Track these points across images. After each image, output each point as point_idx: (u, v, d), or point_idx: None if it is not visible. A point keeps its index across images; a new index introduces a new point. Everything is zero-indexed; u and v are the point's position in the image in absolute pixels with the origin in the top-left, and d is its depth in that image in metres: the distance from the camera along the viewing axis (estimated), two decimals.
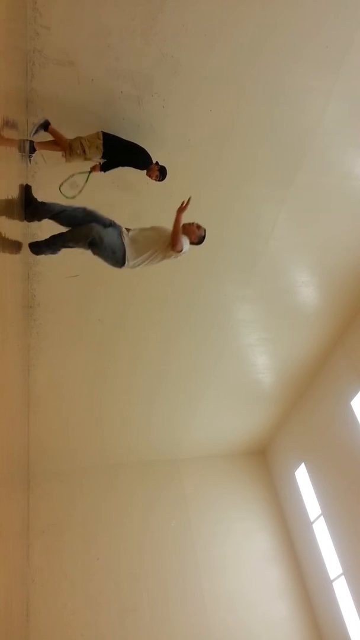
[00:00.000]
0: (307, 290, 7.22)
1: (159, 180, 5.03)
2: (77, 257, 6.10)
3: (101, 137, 4.60)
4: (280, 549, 9.96)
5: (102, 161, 4.70)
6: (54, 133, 4.58)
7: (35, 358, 7.13)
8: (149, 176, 4.98)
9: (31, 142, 4.56)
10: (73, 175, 4.72)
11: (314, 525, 9.26)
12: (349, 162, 5.68)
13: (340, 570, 8.43)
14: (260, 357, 8.36)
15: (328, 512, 8.77)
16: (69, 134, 4.71)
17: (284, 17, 4.33)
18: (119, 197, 5.46)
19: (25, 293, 5.95)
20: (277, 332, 7.83)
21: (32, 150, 4.63)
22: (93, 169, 4.74)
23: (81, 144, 4.55)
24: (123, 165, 4.83)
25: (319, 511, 9.03)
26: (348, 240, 6.57)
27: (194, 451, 10.43)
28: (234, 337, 7.75)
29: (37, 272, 6.03)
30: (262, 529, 10.14)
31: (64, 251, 5.96)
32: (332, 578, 8.69)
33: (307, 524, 9.45)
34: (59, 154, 4.65)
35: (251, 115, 5.00)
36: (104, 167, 4.73)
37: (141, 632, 8.48)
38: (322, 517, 8.97)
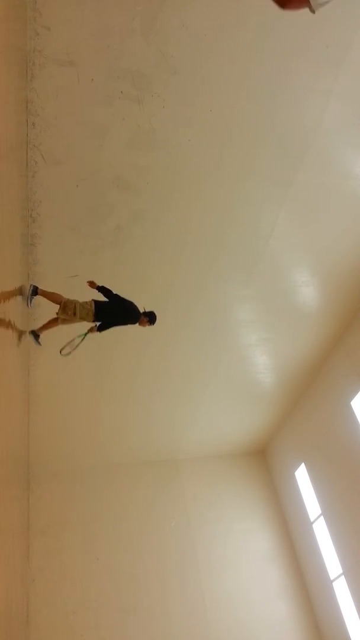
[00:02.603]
0: (307, 290, 7.22)
1: (151, 325, 5.62)
2: (77, 257, 6.11)
3: (92, 306, 5.22)
4: (280, 549, 9.96)
5: (96, 324, 5.30)
6: (44, 294, 5.27)
7: (35, 358, 7.12)
8: (141, 325, 5.56)
9: (33, 331, 5.42)
10: (73, 339, 5.31)
11: (314, 525, 9.25)
12: (349, 162, 5.68)
13: (340, 570, 8.43)
14: (260, 357, 8.36)
15: (328, 512, 8.77)
16: (69, 134, 4.72)
17: (284, 17, 4.33)
18: (119, 197, 5.46)
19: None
20: (277, 332, 7.82)
21: (37, 336, 5.46)
22: (90, 330, 5.31)
23: (75, 307, 5.18)
24: (116, 325, 5.46)
25: (319, 511, 9.03)
26: (348, 240, 6.57)
27: (194, 451, 10.43)
28: (234, 337, 7.75)
29: (37, 273, 6.03)
30: (262, 529, 10.14)
31: (64, 250, 6.01)
32: (332, 578, 8.69)
33: (307, 524, 9.45)
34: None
35: (251, 115, 5.00)
36: (100, 329, 5.33)
37: (141, 632, 8.48)
38: (322, 517, 8.97)
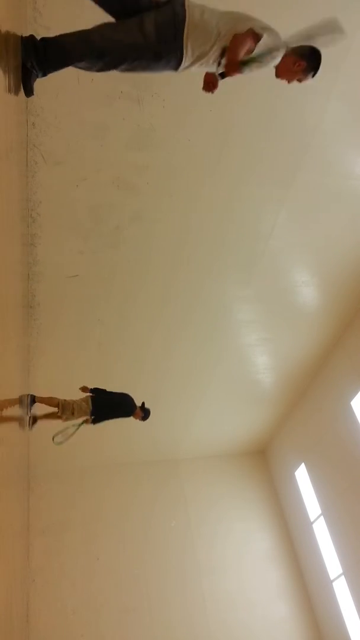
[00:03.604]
0: (307, 290, 7.22)
1: (143, 420, 6.04)
2: (77, 257, 6.11)
3: (89, 403, 5.57)
4: (280, 549, 9.96)
5: (92, 418, 5.60)
6: (42, 401, 5.62)
7: (36, 358, 7.13)
8: (134, 418, 5.93)
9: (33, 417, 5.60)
10: (67, 428, 5.52)
11: (314, 525, 9.26)
12: (349, 162, 5.68)
13: (340, 570, 8.43)
14: (260, 357, 8.36)
15: (328, 512, 8.77)
16: (69, 134, 4.72)
17: (284, 17, 4.33)
18: (119, 197, 5.46)
19: (25, 293, 5.94)
20: (277, 332, 7.82)
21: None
22: (85, 422, 5.56)
23: (72, 407, 5.52)
24: (112, 418, 5.78)
25: (319, 511, 9.03)
26: (348, 240, 6.57)
27: (194, 451, 10.43)
28: (234, 337, 7.75)
29: (37, 272, 6.04)
30: (262, 529, 10.14)
31: (64, 250, 5.99)
32: (332, 578, 8.69)
33: (307, 524, 9.45)
34: None
35: (251, 115, 5.00)
36: (95, 421, 5.62)
37: (141, 632, 8.49)
38: (322, 517, 8.97)
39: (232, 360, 8.20)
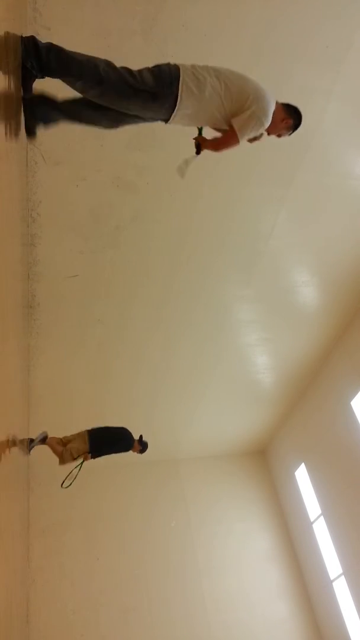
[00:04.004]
0: (307, 290, 7.22)
1: (141, 453, 6.23)
2: (77, 257, 6.11)
3: (87, 440, 5.80)
4: (280, 549, 9.96)
5: (90, 454, 5.83)
6: (51, 445, 5.92)
7: (36, 358, 7.13)
8: (133, 451, 6.13)
9: (31, 439, 5.86)
10: (71, 471, 5.82)
11: (314, 525, 9.26)
12: (349, 162, 5.68)
13: (340, 570, 8.43)
14: (260, 357, 8.36)
15: (328, 512, 8.77)
16: (69, 134, 4.72)
17: (284, 17, 4.33)
18: (119, 197, 5.46)
19: (25, 293, 5.94)
20: (277, 332, 7.83)
21: (32, 446, 5.89)
22: (85, 459, 5.80)
23: (71, 453, 5.77)
24: (110, 453, 6.02)
25: (319, 511, 9.03)
26: (348, 240, 6.57)
27: (194, 451, 10.43)
28: (234, 337, 7.75)
29: (37, 272, 6.04)
30: (262, 529, 10.14)
31: (64, 250, 5.99)
32: (332, 578, 8.69)
33: (307, 524, 9.45)
34: None
35: None
36: (93, 456, 5.86)
37: (141, 632, 8.48)
38: (322, 517, 8.97)
39: (232, 360, 8.20)
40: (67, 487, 5.80)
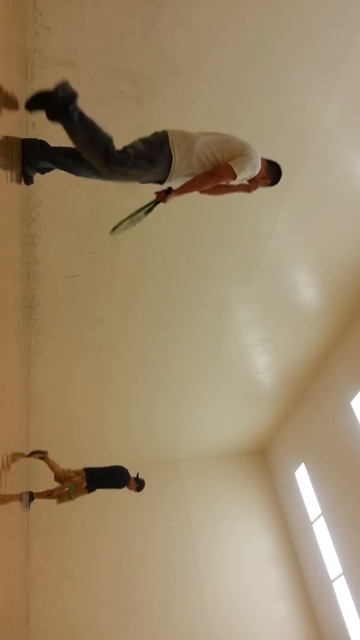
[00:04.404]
0: (307, 290, 7.22)
1: (137, 491, 6.42)
2: (77, 257, 6.11)
3: (83, 477, 6.06)
4: (280, 549, 9.96)
5: (86, 487, 6.07)
6: (49, 463, 6.26)
7: (36, 358, 7.13)
8: (128, 488, 6.32)
9: (30, 493, 6.15)
10: (67, 490, 6.14)
11: (314, 525, 9.25)
12: (349, 162, 5.68)
13: (340, 570, 8.43)
14: (260, 357, 8.36)
15: (328, 512, 8.77)
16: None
17: (284, 17, 4.33)
18: (119, 197, 5.45)
19: (25, 293, 5.95)
20: (277, 332, 7.82)
21: (32, 498, 6.21)
22: (78, 489, 6.01)
23: (69, 495, 6.04)
24: (106, 487, 6.25)
25: (319, 511, 9.03)
26: (348, 240, 6.57)
27: (194, 451, 10.42)
28: (234, 337, 7.75)
29: (37, 272, 6.03)
30: (262, 529, 10.14)
31: (64, 250, 5.99)
32: (332, 578, 8.69)
33: (307, 524, 9.45)
34: None
35: (251, 116, 4.99)
36: (89, 489, 6.07)
37: (141, 632, 8.48)
38: (322, 517, 8.97)
39: (232, 360, 8.20)
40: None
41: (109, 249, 6.03)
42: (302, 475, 9.68)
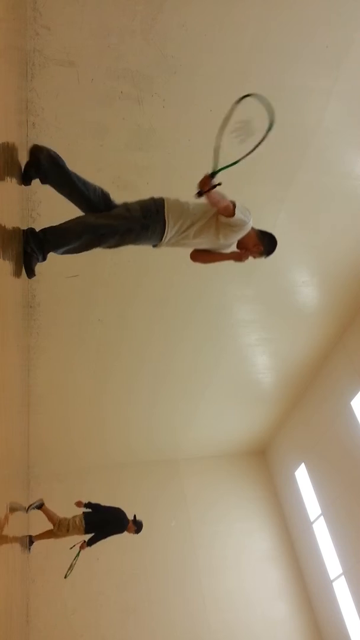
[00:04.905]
0: (307, 290, 7.22)
1: (136, 533, 6.47)
2: (77, 257, 6.11)
3: (82, 521, 6.20)
4: (280, 549, 9.96)
5: (86, 539, 6.15)
6: (47, 512, 6.49)
7: (36, 358, 7.13)
8: (128, 532, 6.38)
9: (30, 537, 6.36)
10: (71, 563, 6.28)
11: (314, 525, 9.25)
12: (349, 162, 5.68)
13: (340, 570, 8.43)
14: (260, 357, 8.36)
15: (328, 512, 8.77)
16: (69, 134, 4.72)
17: (284, 17, 4.33)
18: (118, 197, 5.44)
19: (25, 293, 5.94)
20: (277, 332, 7.82)
21: (31, 542, 6.42)
22: (81, 548, 6.15)
23: (68, 524, 6.24)
24: (105, 537, 6.26)
25: (319, 511, 9.03)
26: (348, 240, 6.57)
27: (194, 451, 10.43)
28: (234, 337, 7.75)
29: (37, 272, 6.02)
30: (262, 529, 10.14)
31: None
32: (332, 578, 8.69)
33: (307, 524, 9.45)
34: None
35: (251, 115, 4.99)
36: (90, 543, 6.18)
37: (141, 632, 8.48)
38: (322, 517, 8.97)
39: (232, 360, 8.20)
40: (69, 575, 6.35)
41: (109, 249, 6.02)
42: (302, 475, 9.68)
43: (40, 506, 6.51)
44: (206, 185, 3.16)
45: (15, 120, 2.91)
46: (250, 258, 3.49)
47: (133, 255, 6.18)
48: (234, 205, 3.18)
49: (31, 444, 8.38)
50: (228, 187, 5.80)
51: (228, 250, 3.42)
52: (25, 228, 3.02)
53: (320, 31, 4.46)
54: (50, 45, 4.15)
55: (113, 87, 4.50)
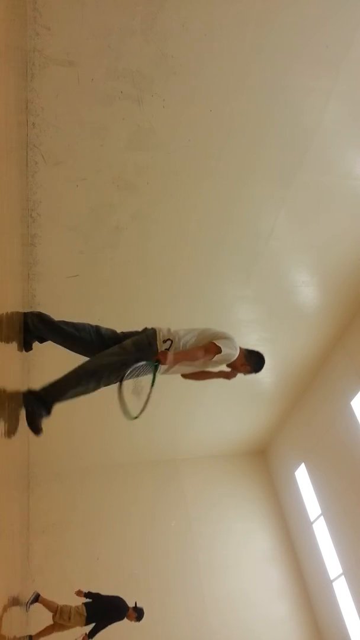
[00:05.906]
0: (307, 290, 7.22)
1: (137, 621, 6.46)
2: (77, 257, 6.11)
3: (84, 610, 6.15)
4: (280, 549, 9.96)
5: (87, 632, 6.06)
6: (44, 602, 6.35)
7: (36, 358, 7.12)
8: (130, 620, 6.38)
9: (30, 637, 6.16)
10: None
11: (314, 525, 9.25)
12: (349, 162, 5.68)
13: (340, 570, 8.43)
14: None
15: (328, 512, 8.77)
16: (69, 134, 4.72)
17: (284, 17, 4.33)
18: (119, 197, 5.46)
19: (25, 293, 5.94)
20: (277, 332, 7.82)
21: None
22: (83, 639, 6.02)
23: (69, 612, 6.12)
24: (106, 626, 6.23)
25: (319, 511, 9.03)
26: (348, 240, 6.57)
27: (194, 451, 10.42)
28: (234, 337, 7.74)
29: (37, 272, 6.03)
30: (262, 529, 10.14)
31: (64, 250, 5.99)
32: (332, 578, 8.69)
33: (307, 524, 9.45)
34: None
35: (251, 115, 5.00)
36: (91, 635, 6.06)
37: (141, 632, 8.47)
38: (322, 517, 8.97)
39: None
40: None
41: (109, 249, 6.03)
42: (302, 475, 9.68)
43: (37, 598, 6.39)
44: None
45: (15, 120, 2.91)
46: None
47: (133, 256, 6.19)
48: (216, 346, 3.42)
49: (31, 444, 8.38)
50: (228, 187, 5.85)
51: (217, 370, 3.80)
52: (23, 390, 3.29)
53: (320, 31, 4.46)
54: (50, 45, 4.15)
55: (113, 87, 4.50)
